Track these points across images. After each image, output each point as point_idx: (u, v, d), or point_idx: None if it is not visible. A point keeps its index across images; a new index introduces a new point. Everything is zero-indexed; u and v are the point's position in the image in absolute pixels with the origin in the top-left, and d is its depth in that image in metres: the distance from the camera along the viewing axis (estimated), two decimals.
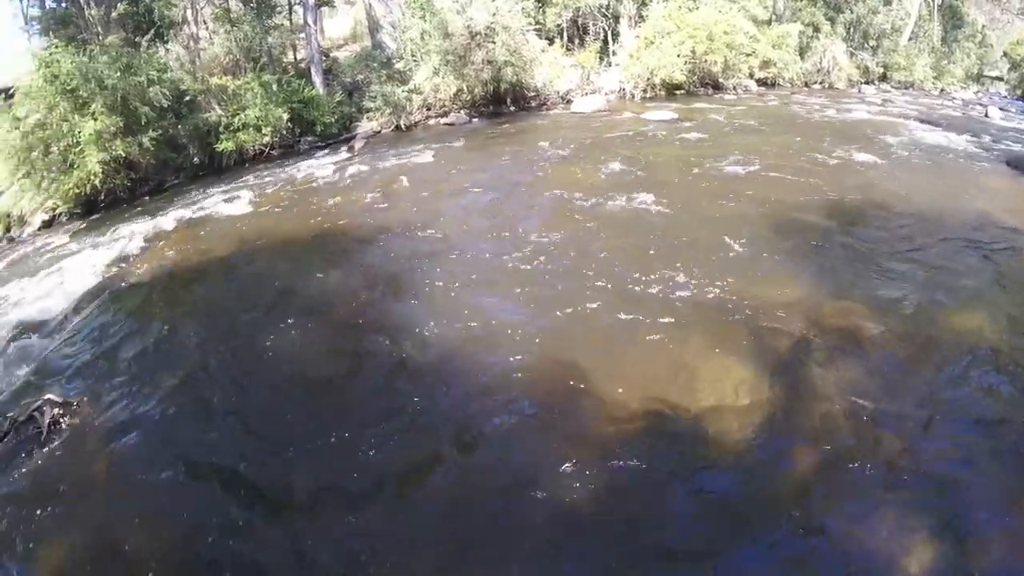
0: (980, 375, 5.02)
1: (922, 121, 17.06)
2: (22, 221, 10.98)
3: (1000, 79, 36.01)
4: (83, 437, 4.91)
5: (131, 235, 9.21)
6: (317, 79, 15.41)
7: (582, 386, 4.90)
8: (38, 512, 4.21)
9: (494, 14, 16.43)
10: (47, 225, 10.88)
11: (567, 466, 4.15)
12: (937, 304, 6.00)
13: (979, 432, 4.43)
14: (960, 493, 3.88)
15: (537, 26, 18.84)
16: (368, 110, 15.48)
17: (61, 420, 5.09)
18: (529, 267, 6.91)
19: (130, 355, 6.00)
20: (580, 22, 20.98)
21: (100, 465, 4.59)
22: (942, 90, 29.75)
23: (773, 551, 3.56)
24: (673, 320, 5.71)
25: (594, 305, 6.05)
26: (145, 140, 11.27)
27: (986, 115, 20.48)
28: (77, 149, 10.62)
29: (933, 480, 3.98)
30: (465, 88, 16.27)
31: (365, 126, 15.24)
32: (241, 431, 4.81)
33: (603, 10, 20.36)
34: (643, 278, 6.48)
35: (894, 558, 3.44)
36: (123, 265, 8.16)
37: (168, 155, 12.12)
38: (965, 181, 10.47)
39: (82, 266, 8.24)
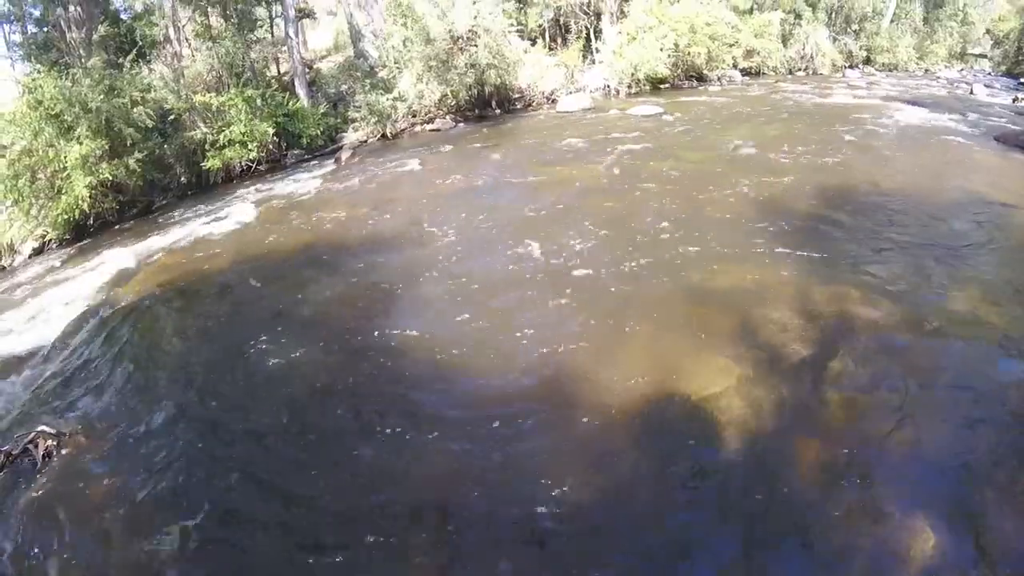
0: (977, 353, 5.05)
1: (908, 102, 17.20)
2: (12, 250, 10.95)
3: (984, 56, 36.08)
4: (78, 468, 4.90)
5: (121, 259, 9.21)
6: (301, 91, 15.43)
7: (581, 383, 4.95)
8: (35, 544, 4.22)
9: (475, 17, 16.44)
10: (38, 253, 10.87)
11: (569, 461, 4.21)
12: (931, 285, 6.02)
13: (979, 410, 4.43)
14: (962, 472, 3.90)
15: (519, 27, 18.95)
16: (353, 120, 15.49)
17: (55, 452, 5.09)
18: (520, 267, 6.99)
19: (122, 382, 6.01)
20: (562, 21, 21.09)
21: (95, 495, 4.59)
22: (926, 70, 29.89)
23: (773, 540, 3.58)
24: (667, 311, 5.81)
25: (587, 301, 6.12)
26: (131, 162, 11.26)
27: (971, 92, 20.66)
28: (64, 174, 10.61)
29: (934, 460, 4.00)
30: (449, 93, 16.26)
31: (351, 136, 15.23)
32: (237, 456, 4.80)
33: (584, 8, 20.43)
34: (636, 273, 6.58)
35: (899, 540, 3.46)
36: (113, 290, 8.15)
37: (155, 175, 12.13)
38: (955, 160, 10.57)
39: (73, 293, 8.26)
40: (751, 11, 23.58)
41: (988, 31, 36.68)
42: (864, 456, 4.04)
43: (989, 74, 30.31)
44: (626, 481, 4.06)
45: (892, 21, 29.82)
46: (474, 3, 16.63)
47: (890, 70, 28.32)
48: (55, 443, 5.15)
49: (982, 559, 3.33)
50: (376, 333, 6.14)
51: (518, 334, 5.70)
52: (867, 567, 3.34)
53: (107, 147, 11.09)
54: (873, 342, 5.18)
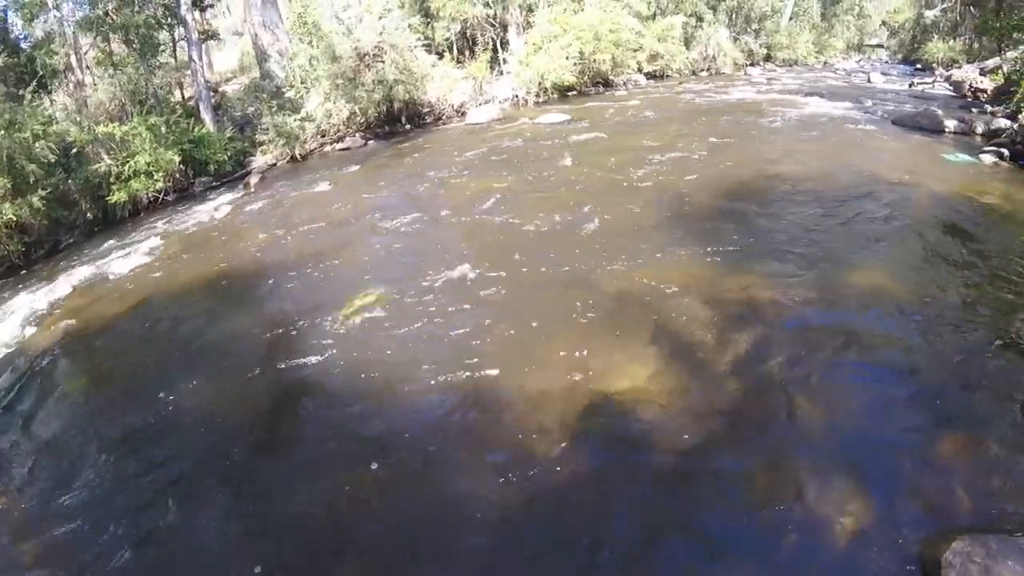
0: (881, 324, 5.40)
1: (808, 94, 18.32)
2: None
3: (881, 46, 38.39)
4: (6, 528, 4.88)
5: (31, 306, 9.19)
6: (207, 116, 15.46)
7: (500, 393, 5.15)
8: None
9: (381, 33, 16.83)
10: None
11: (494, 471, 4.35)
12: (833, 264, 6.41)
13: (889, 384, 4.70)
14: (877, 441, 4.15)
15: (426, 41, 19.34)
16: (261, 143, 15.59)
17: None
18: (431, 285, 7.16)
19: (39, 436, 5.97)
20: (469, 34, 21.59)
21: (28, 554, 4.60)
22: (825, 63, 31.72)
23: (699, 534, 3.73)
24: (578, 316, 6.06)
25: (499, 313, 6.34)
26: (35, 200, 11.12)
27: (869, 81, 22.31)
28: None
29: (849, 432, 4.24)
30: (358, 111, 16.63)
31: (259, 160, 15.34)
32: (162, 501, 4.81)
33: (491, 20, 20.99)
34: (542, 280, 6.88)
35: (822, 513, 3.65)
36: (24, 340, 8.13)
37: (60, 213, 12.03)
38: (855, 144, 11.38)
39: None
40: (654, 16, 24.59)
41: (884, 23, 38.92)
42: (781, 433, 4.32)
43: (886, 63, 32.35)
44: (557, 487, 4.18)
45: (791, 19, 31.46)
46: (380, 19, 17.00)
47: (790, 65, 29.94)
48: None
49: (902, 525, 3.53)
50: (287, 364, 6.17)
51: (434, 352, 5.83)
52: (793, 541, 3.52)
53: (9, 186, 10.97)
54: (781, 323, 5.57)
